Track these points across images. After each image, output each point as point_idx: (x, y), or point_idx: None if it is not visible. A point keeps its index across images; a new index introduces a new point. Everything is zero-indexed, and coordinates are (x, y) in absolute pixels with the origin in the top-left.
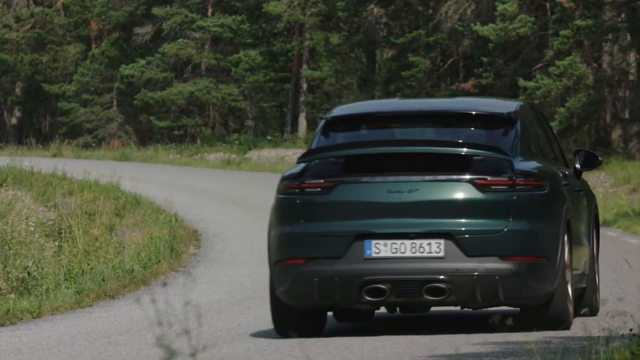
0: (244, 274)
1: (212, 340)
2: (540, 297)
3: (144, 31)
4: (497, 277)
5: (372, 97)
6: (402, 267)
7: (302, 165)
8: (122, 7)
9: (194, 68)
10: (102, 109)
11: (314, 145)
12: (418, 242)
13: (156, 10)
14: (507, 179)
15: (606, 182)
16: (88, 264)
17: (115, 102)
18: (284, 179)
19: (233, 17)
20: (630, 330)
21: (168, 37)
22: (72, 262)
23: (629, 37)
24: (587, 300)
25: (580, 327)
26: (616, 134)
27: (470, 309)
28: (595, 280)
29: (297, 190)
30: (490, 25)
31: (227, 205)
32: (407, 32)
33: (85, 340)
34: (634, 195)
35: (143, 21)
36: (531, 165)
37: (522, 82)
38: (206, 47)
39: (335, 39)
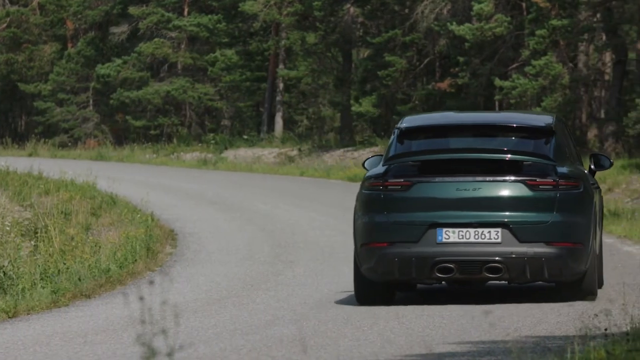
0: (220, 274)
1: (189, 340)
2: (576, 275)
3: (120, 30)
4: (543, 259)
5: (349, 96)
6: (467, 250)
7: (385, 167)
8: (98, 6)
9: (170, 67)
10: (78, 109)
11: (392, 152)
12: (480, 230)
13: (132, 10)
14: (552, 180)
15: None
16: (64, 264)
17: (91, 102)
18: (370, 177)
19: (209, 16)
20: (606, 329)
21: (144, 37)
22: (48, 261)
23: (604, 37)
24: (598, 275)
25: (556, 325)
26: (592, 133)
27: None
28: (602, 258)
29: (381, 187)
30: (467, 24)
31: (203, 204)
32: (383, 31)
33: (61, 340)
34: (609, 195)
35: (119, 20)
36: (568, 169)
37: (498, 82)
38: (182, 46)
39: (311, 38)
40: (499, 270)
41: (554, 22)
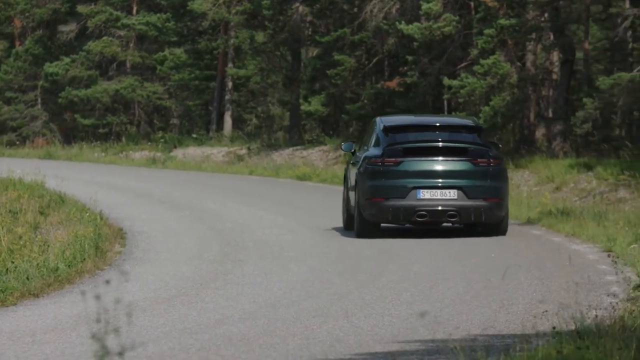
0: (169, 273)
1: (138, 339)
2: (500, 218)
3: (68, 29)
4: (482, 209)
5: (298, 95)
6: (436, 203)
7: (382, 150)
8: (46, 4)
9: (118, 66)
10: (26, 107)
11: (384, 142)
12: (444, 191)
13: (81, 8)
14: (486, 160)
15: (530, 180)
16: (12, 262)
17: (39, 100)
18: (371, 157)
19: (158, 15)
20: (554, 328)
21: (93, 35)
22: None
23: (552, 37)
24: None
25: (504, 324)
26: (540, 132)
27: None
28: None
29: (380, 163)
30: (415, 24)
31: (152, 203)
32: (332, 30)
33: (9, 339)
34: (557, 193)
35: (67, 19)
36: (495, 152)
37: (446, 81)
38: (131, 45)
39: (260, 37)
40: (455, 216)
41: (502, 21)
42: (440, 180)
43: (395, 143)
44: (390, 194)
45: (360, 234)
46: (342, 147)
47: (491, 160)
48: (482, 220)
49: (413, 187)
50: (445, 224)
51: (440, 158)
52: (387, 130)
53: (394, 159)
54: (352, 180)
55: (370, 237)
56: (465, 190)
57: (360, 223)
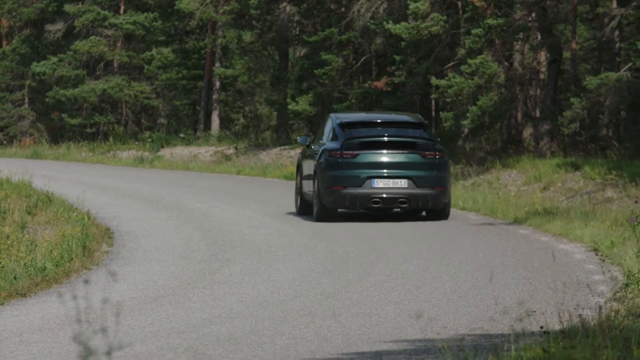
0: (157, 272)
1: (126, 339)
2: (443, 205)
3: (55, 28)
4: (429, 196)
5: (285, 95)
6: (388, 191)
7: (340, 144)
8: (33, 3)
9: (106, 65)
10: (14, 107)
11: (341, 136)
12: (395, 180)
13: (68, 8)
14: (433, 152)
15: (518, 180)
16: None
17: (26, 100)
18: (330, 150)
19: (145, 14)
20: (541, 327)
21: (80, 35)
22: None
23: (539, 36)
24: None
25: (492, 324)
26: (527, 132)
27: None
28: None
29: (339, 155)
30: (403, 23)
31: (139, 203)
32: (319, 30)
33: None
34: (545, 193)
35: (55, 18)
36: (439, 146)
37: (434, 81)
38: (118, 44)
39: (247, 36)
40: (405, 202)
41: (490, 21)
42: (392, 171)
43: (352, 138)
44: (348, 182)
45: (320, 219)
46: (298, 139)
47: (437, 153)
48: (429, 206)
49: (368, 177)
50: (395, 209)
51: (392, 151)
52: (344, 126)
53: (351, 152)
54: (309, 170)
55: (328, 222)
56: (415, 179)
57: (320, 209)
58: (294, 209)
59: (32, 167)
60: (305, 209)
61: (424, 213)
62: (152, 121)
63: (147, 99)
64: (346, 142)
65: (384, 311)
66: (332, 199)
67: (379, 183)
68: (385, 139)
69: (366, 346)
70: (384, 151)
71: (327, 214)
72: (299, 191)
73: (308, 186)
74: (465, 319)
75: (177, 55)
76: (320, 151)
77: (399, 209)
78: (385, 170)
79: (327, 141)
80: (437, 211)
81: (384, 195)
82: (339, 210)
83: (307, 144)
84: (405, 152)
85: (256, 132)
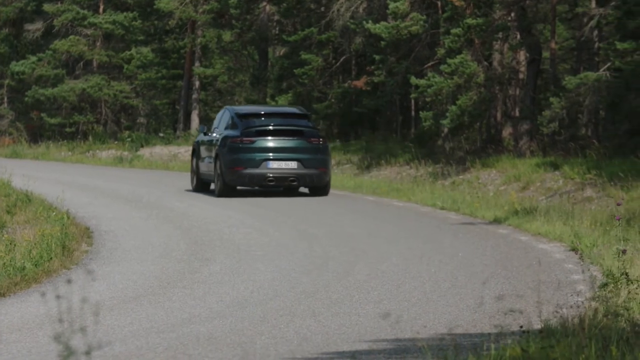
0: (136, 272)
1: (105, 338)
2: (326, 182)
3: (34, 27)
4: (314, 175)
5: (265, 95)
6: (281, 171)
7: (240, 132)
8: (12, 2)
9: (85, 65)
10: None
11: (240, 125)
12: (287, 162)
13: (47, 7)
14: (317, 139)
15: (497, 179)
16: None
17: (5, 99)
18: (231, 137)
19: (125, 13)
20: (521, 327)
21: (59, 34)
22: None
23: (518, 36)
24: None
25: (471, 323)
26: (507, 132)
27: None
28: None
29: (239, 141)
30: (382, 23)
31: (119, 202)
32: (299, 29)
33: None
34: (524, 193)
35: (34, 17)
36: (321, 133)
37: (413, 80)
38: (98, 44)
39: (227, 36)
40: (295, 180)
41: (469, 20)
42: (284, 154)
43: (250, 127)
44: (247, 164)
45: (221, 194)
46: (197, 128)
47: (320, 139)
48: (314, 184)
49: (264, 160)
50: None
51: (284, 138)
52: (241, 117)
53: (249, 138)
54: (208, 154)
55: (229, 197)
56: (303, 161)
57: (222, 186)
58: (272, 208)
59: (11, 166)
60: (200, 187)
61: (307, 190)
62: (131, 120)
63: (127, 99)
64: (245, 130)
65: (364, 310)
66: (234, 177)
67: (273, 164)
68: (278, 127)
69: (346, 345)
70: (277, 138)
71: (228, 190)
72: (196, 172)
73: (206, 167)
74: (445, 318)
75: (156, 54)
76: (221, 138)
77: (291, 186)
78: (278, 154)
79: (224, 130)
80: (320, 188)
81: (277, 175)
82: (238, 187)
83: (205, 132)
84: (294, 138)
85: None
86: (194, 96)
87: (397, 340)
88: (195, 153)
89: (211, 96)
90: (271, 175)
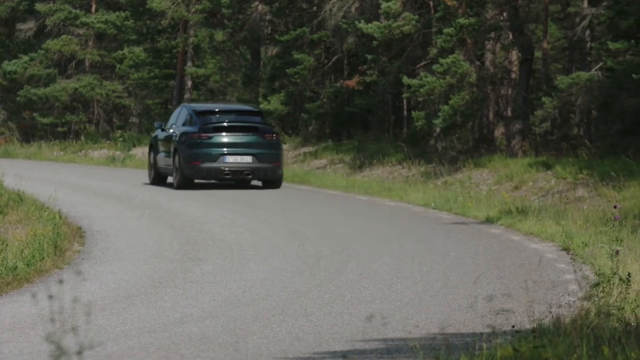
0: (128, 271)
1: (97, 338)
2: (279, 176)
3: (26, 27)
4: (268, 169)
5: (257, 94)
6: (237, 165)
7: (197, 128)
8: (4, 2)
9: (77, 64)
10: None
11: (198, 122)
12: (243, 157)
13: (39, 6)
14: (271, 134)
15: (489, 179)
16: None
17: None
18: (189, 133)
19: (117, 13)
20: (513, 326)
21: (51, 33)
22: None
23: (510, 36)
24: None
25: (463, 323)
26: (499, 131)
27: None
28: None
29: (197, 137)
30: (375, 22)
31: (111, 202)
32: (291, 29)
33: None
34: (516, 192)
35: (26, 17)
36: (274, 129)
37: (406, 80)
38: (90, 43)
39: (219, 36)
40: (250, 174)
41: (461, 20)
42: (239, 149)
43: (207, 123)
44: (205, 158)
45: (180, 187)
46: (155, 124)
47: (273, 135)
48: (268, 177)
49: (221, 154)
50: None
51: (239, 134)
52: (199, 113)
53: (207, 134)
54: (166, 149)
55: (187, 189)
56: (257, 156)
57: (182, 179)
58: (264, 208)
59: (3, 166)
60: (157, 180)
61: (260, 183)
62: (123, 120)
63: (119, 98)
64: (203, 126)
65: (356, 310)
66: (192, 171)
67: (229, 159)
68: (234, 123)
69: (338, 345)
70: (233, 134)
71: (186, 183)
72: (153, 166)
73: (164, 162)
74: (437, 318)
75: (148, 54)
76: (180, 133)
77: (248, 179)
78: (233, 149)
79: (182, 126)
80: (273, 181)
81: (233, 169)
82: (195, 180)
83: (162, 127)
84: (249, 134)
85: None
86: (186, 96)
87: (389, 340)
88: (153, 148)
89: (203, 96)
90: (227, 169)
